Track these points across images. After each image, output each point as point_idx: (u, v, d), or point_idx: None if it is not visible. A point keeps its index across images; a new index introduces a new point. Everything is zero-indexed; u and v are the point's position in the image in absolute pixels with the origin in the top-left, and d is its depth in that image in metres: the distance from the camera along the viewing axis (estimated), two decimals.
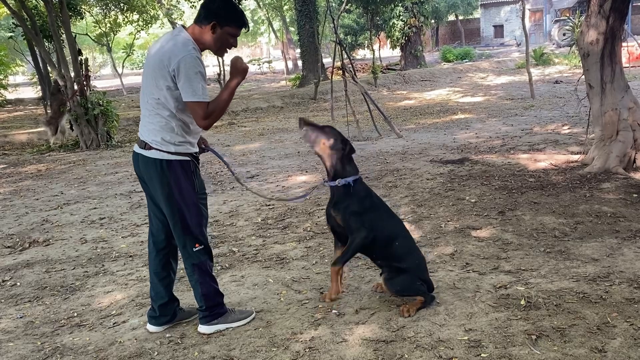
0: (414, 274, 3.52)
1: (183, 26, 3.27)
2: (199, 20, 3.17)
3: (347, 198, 3.51)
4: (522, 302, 3.47)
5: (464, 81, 21.24)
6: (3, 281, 4.64)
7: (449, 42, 43.44)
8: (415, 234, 4.85)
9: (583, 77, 6.72)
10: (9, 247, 5.59)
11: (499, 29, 44.72)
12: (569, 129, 9.24)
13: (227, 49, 3.29)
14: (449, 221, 5.20)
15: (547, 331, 3.11)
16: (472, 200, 5.74)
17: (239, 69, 3.23)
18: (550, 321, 3.22)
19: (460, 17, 44.22)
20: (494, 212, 5.34)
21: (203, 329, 3.43)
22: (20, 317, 3.92)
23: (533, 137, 8.88)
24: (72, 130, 12.35)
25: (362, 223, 3.48)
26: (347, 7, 22.80)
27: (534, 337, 3.05)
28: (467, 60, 28.58)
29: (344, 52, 11.16)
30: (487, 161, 7.42)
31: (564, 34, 29.81)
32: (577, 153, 7.21)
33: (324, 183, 3.63)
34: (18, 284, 4.58)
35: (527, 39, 14.54)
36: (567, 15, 31.50)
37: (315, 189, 3.67)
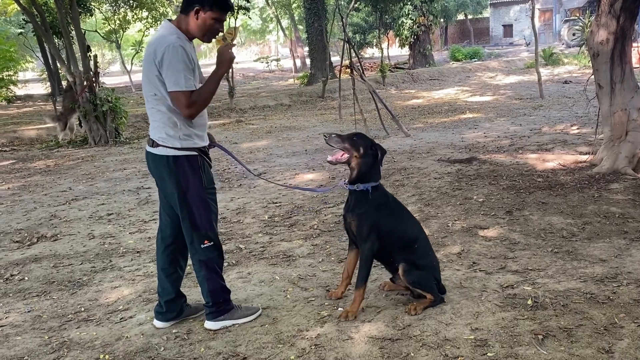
0: (430, 272, 3.54)
1: (169, 20, 3.29)
2: (183, 9, 3.20)
3: (364, 204, 3.49)
4: (529, 302, 3.46)
5: (473, 80, 21.18)
6: (11, 275, 4.67)
7: (458, 41, 43.32)
8: None
9: (592, 77, 6.69)
10: (17, 241, 5.62)
11: (508, 29, 44.55)
12: (577, 129, 9.19)
13: (214, 35, 3.29)
14: (456, 220, 5.19)
15: (553, 331, 3.10)
16: (480, 200, 5.73)
17: (225, 59, 3.25)
18: (557, 321, 3.21)
19: (470, 16, 44.09)
20: (501, 211, 5.32)
21: (209, 324, 3.44)
22: (28, 312, 3.94)
23: (542, 137, 8.84)
24: (81, 126, 12.41)
25: (371, 233, 3.45)
26: (356, 5, 22.76)
27: (540, 337, 3.05)
28: (476, 59, 28.49)
29: (352, 50, 11.14)
30: (495, 161, 7.39)
31: (574, 34, 29.66)
32: (586, 153, 7.18)
33: (343, 185, 3.60)
34: (26, 278, 4.60)
35: (536, 39, 14.47)
36: (577, 15, 31.36)
37: (335, 186, 3.64)
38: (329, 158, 3.53)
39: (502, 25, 45.00)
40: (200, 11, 3.14)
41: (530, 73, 20.28)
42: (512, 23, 44.02)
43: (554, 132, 9.18)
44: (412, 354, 3.00)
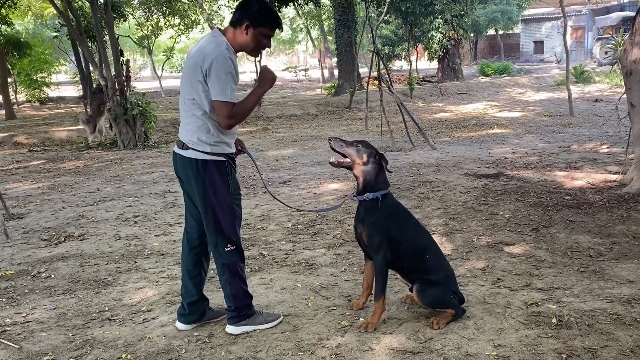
0: (446, 286, 3.49)
1: (219, 29, 3.34)
2: (233, 22, 3.25)
3: (374, 213, 3.48)
4: (554, 320, 3.41)
5: (502, 96, 21.01)
6: (38, 273, 4.76)
7: (488, 56, 43.04)
8: (447, 247, 4.82)
9: (624, 95, 6.60)
10: (45, 240, 5.72)
11: (539, 45, 44.13)
12: (607, 148, 9.06)
13: (262, 50, 3.37)
14: (481, 235, 5.14)
15: (578, 351, 3.05)
16: (506, 216, 5.67)
17: (268, 78, 3.33)
18: (582, 341, 3.15)
19: (500, 32, 43.75)
20: (527, 228, 5.26)
21: (231, 329, 3.45)
22: (54, 309, 4.01)
23: (570, 154, 8.73)
24: (111, 129, 12.62)
25: (383, 242, 3.44)
26: (386, 17, 22.80)
27: (564, 356, 3.00)
28: (505, 75, 28.26)
29: (381, 62, 11.15)
30: (522, 177, 7.32)
31: (606, 52, 29.27)
32: (616, 173, 7.06)
33: (352, 197, 3.59)
34: (53, 276, 4.68)
35: (567, 56, 14.31)
36: (610, 33, 30.95)
37: (343, 202, 3.66)
38: (332, 160, 3.54)
39: (533, 42, 44.59)
40: (250, 27, 3.19)
41: (560, 90, 20.06)
42: (544, 39, 43.60)
43: (583, 150, 9.06)
44: None
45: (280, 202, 4.56)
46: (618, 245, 4.70)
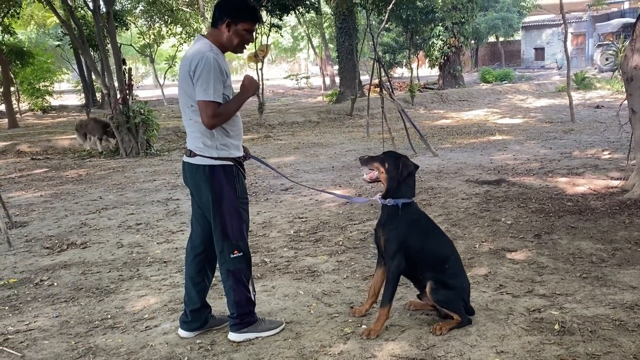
0: (459, 292, 3.51)
1: (202, 35, 3.40)
2: (214, 22, 3.31)
3: (394, 220, 3.51)
4: (556, 326, 3.41)
5: (503, 102, 21.03)
6: (41, 281, 4.76)
7: (489, 63, 43.13)
8: None
9: (625, 102, 6.60)
10: (47, 248, 5.73)
11: (539, 52, 44.20)
12: (609, 154, 9.06)
13: (245, 45, 3.41)
14: (483, 242, 5.14)
15: (580, 357, 3.05)
16: (508, 222, 5.67)
17: (252, 85, 3.39)
18: (585, 347, 3.15)
19: (501, 39, 43.84)
20: (530, 234, 5.26)
21: (233, 336, 3.46)
22: (56, 317, 4.01)
23: (572, 161, 8.73)
24: (109, 141, 12.66)
25: (399, 250, 3.45)
26: (387, 25, 22.87)
27: None
28: (506, 81, 28.29)
29: (382, 69, 11.18)
30: (524, 183, 7.32)
31: (607, 59, 29.31)
32: (618, 179, 7.06)
33: (378, 198, 3.62)
34: (55, 284, 4.69)
35: (568, 62, 14.32)
36: (611, 39, 31.03)
37: (372, 199, 3.70)
38: (365, 177, 3.64)
39: (534, 48, 44.67)
40: (231, 24, 3.24)
41: (561, 97, 20.08)
42: (544, 46, 43.68)
43: (585, 156, 9.06)
44: None
45: (306, 186, 4.62)
46: (620, 251, 4.70)
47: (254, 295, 3.53)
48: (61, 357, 3.41)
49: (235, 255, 3.36)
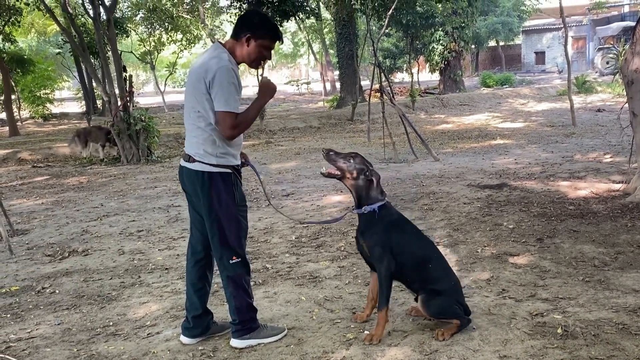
0: (451, 296, 3.49)
1: (220, 42, 3.38)
2: (234, 34, 3.31)
3: (373, 225, 3.49)
4: (559, 330, 3.39)
5: (504, 107, 21.05)
6: (43, 288, 4.75)
7: (489, 67, 43.16)
8: (451, 259, 4.80)
9: (626, 105, 6.60)
10: (49, 255, 5.73)
11: (540, 56, 44.26)
12: (611, 157, 9.05)
13: (263, 61, 3.41)
14: (485, 246, 5.13)
15: None
16: (510, 226, 5.66)
17: (269, 89, 3.38)
18: (588, 351, 3.14)
19: (501, 43, 43.93)
20: (532, 238, 5.25)
21: (235, 343, 3.45)
22: (58, 324, 4.00)
23: (574, 164, 8.72)
24: (103, 148, 12.70)
25: (385, 252, 3.44)
26: (387, 30, 22.91)
27: None
28: (507, 85, 28.33)
29: (382, 74, 11.20)
30: (526, 187, 7.31)
31: (607, 62, 29.33)
32: (619, 182, 7.05)
33: (352, 211, 3.62)
34: (57, 291, 4.68)
35: (569, 66, 14.35)
36: (611, 43, 31.03)
37: (346, 214, 3.70)
38: (323, 170, 3.57)
39: (534, 52, 44.73)
40: (251, 39, 3.24)
41: (562, 100, 20.09)
42: (545, 50, 43.74)
43: (586, 160, 9.06)
44: None
45: (283, 214, 4.58)
46: (623, 255, 4.68)
47: (252, 301, 3.52)
48: None
49: (234, 261, 3.35)
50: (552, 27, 42.55)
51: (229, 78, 3.13)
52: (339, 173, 3.49)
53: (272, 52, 3.45)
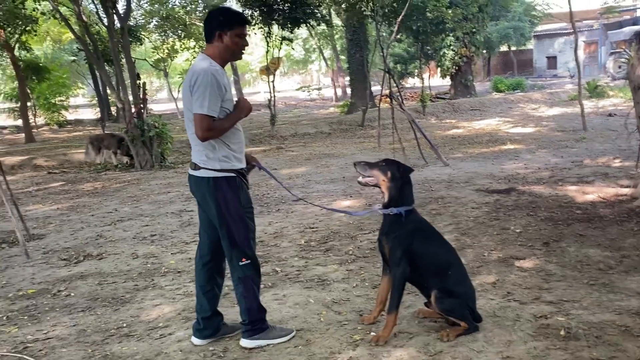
0: (464, 300, 3.57)
1: (202, 52, 3.53)
2: (207, 39, 3.46)
3: (397, 228, 3.59)
4: (562, 332, 3.46)
5: (515, 112, 21.03)
6: (58, 291, 4.89)
7: (501, 72, 43.04)
8: None
9: (634, 110, 6.64)
10: (64, 259, 5.87)
11: (552, 60, 44.07)
12: (620, 162, 9.06)
13: (242, 50, 3.54)
14: (492, 250, 5.20)
15: None
16: (517, 231, 5.72)
17: (244, 107, 3.52)
18: (590, 352, 3.20)
19: (513, 48, 43.80)
20: (538, 242, 5.31)
21: (245, 342, 3.55)
22: (73, 326, 4.13)
23: (583, 169, 8.75)
24: (116, 155, 12.88)
25: (403, 257, 3.53)
26: (398, 36, 22.99)
27: None
28: (518, 90, 28.26)
29: (392, 80, 11.28)
30: (534, 192, 7.36)
31: (620, 67, 29.18)
32: (627, 186, 7.08)
33: (378, 210, 3.71)
34: (72, 294, 4.81)
35: (579, 70, 14.35)
36: (623, 47, 30.88)
37: (373, 211, 3.81)
38: (360, 179, 3.70)
39: (546, 57, 44.54)
40: (222, 34, 3.38)
41: (573, 105, 20.01)
42: (556, 55, 43.54)
43: (595, 164, 9.07)
44: None
45: (306, 201, 4.74)
46: (628, 259, 4.73)
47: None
48: None
49: (243, 263, 3.47)
50: (563, 31, 42.35)
51: (205, 81, 3.26)
52: (374, 180, 3.62)
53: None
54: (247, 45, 3.55)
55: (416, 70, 31.15)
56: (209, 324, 3.65)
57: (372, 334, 3.63)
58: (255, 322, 3.53)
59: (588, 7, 38.22)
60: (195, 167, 3.46)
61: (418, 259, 3.57)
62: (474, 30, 24.85)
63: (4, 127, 25.77)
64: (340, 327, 3.78)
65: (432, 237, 3.71)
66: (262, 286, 4.41)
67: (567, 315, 3.72)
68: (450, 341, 3.45)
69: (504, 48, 42.99)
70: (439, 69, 27.96)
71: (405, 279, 3.56)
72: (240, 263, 3.46)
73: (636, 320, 3.57)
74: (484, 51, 35.04)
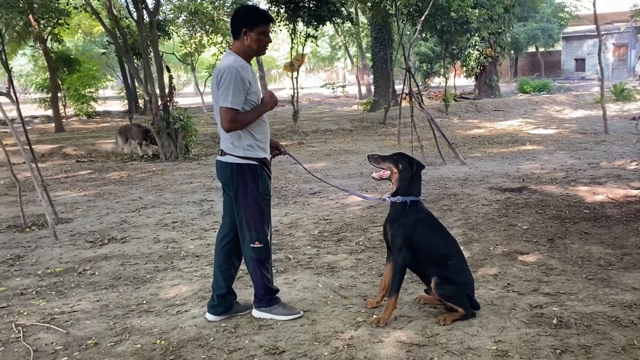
0: (462, 288, 3.78)
1: (229, 48, 3.82)
2: (234, 35, 3.73)
3: (402, 216, 3.81)
4: (554, 321, 3.64)
5: (539, 113, 21.00)
6: (84, 270, 5.20)
7: (529, 73, 42.74)
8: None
9: None
10: (90, 241, 6.20)
11: (580, 63, 43.64)
12: (636, 165, 9.12)
13: (266, 47, 3.80)
14: (498, 245, 5.37)
15: (572, 347, 3.29)
16: (524, 227, 5.88)
17: (271, 100, 3.78)
18: (578, 339, 3.38)
19: (541, 49, 43.45)
20: (543, 239, 5.47)
21: (254, 312, 3.93)
22: (97, 301, 4.42)
23: (597, 171, 8.83)
24: (149, 146, 13.23)
25: (404, 245, 3.75)
26: (423, 35, 23.06)
27: (559, 351, 3.24)
28: (544, 92, 28.14)
29: (412, 79, 11.44)
30: (545, 191, 7.49)
31: None
32: (637, 188, 7.18)
33: (385, 197, 3.94)
34: (97, 273, 5.12)
35: (602, 72, 14.35)
36: None
37: (381, 198, 4.04)
38: (374, 175, 3.94)
39: (575, 59, 44.12)
40: (247, 32, 3.64)
41: (598, 108, 19.82)
42: (585, 57, 43.09)
43: (611, 167, 9.15)
44: (436, 359, 3.25)
45: (328, 183, 5.12)
46: (629, 256, 4.87)
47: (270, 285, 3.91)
48: (101, 335, 3.80)
49: (256, 246, 3.75)
50: (593, 34, 41.75)
51: (230, 76, 3.53)
52: (387, 174, 3.85)
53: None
54: (270, 42, 3.82)
55: (441, 70, 31.15)
56: (223, 302, 3.92)
57: (374, 316, 3.85)
58: (263, 295, 3.86)
59: (619, 9, 37.73)
60: (222, 153, 3.76)
61: (419, 247, 3.78)
62: (499, 30, 24.78)
63: (35, 117, 26.42)
64: (344, 310, 4.02)
65: (434, 228, 3.91)
66: (274, 271, 4.68)
67: (561, 305, 3.89)
68: (447, 325, 3.65)
69: (531, 49, 42.64)
70: (463, 69, 27.94)
71: (406, 264, 3.77)
72: (252, 245, 3.74)
73: (627, 312, 3.73)
74: (511, 52, 34.83)
